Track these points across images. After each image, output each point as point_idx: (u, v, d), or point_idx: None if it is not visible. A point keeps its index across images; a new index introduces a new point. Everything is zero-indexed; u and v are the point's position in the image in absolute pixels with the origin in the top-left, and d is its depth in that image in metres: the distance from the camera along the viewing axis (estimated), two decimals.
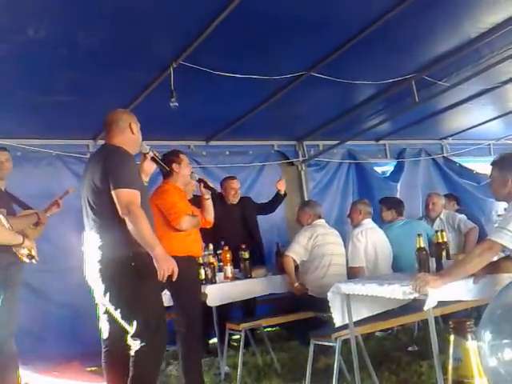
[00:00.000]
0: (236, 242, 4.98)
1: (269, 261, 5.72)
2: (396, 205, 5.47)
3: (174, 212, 3.88)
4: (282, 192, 5.82)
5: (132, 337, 2.97)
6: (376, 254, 4.89)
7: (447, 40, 4.70)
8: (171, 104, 4.24)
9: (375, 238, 4.96)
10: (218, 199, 5.45)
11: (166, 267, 2.91)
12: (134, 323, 2.94)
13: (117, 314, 3.02)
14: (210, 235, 4.60)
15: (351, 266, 4.90)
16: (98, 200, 3.02)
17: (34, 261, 3.52)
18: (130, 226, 2.89)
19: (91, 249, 3.05)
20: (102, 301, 3.10)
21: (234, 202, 5.60)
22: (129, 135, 3.21)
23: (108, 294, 2.99)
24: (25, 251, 3.48)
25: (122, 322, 3.01)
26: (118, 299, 2.99)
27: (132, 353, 2.97)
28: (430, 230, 5.08)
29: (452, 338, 1.11)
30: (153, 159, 3.39)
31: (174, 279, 2.96)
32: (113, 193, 2.94)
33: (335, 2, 3.79)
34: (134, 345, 2.96)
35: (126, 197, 2.92)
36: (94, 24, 3.56)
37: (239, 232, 5.44)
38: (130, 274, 2.93)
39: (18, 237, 3.42)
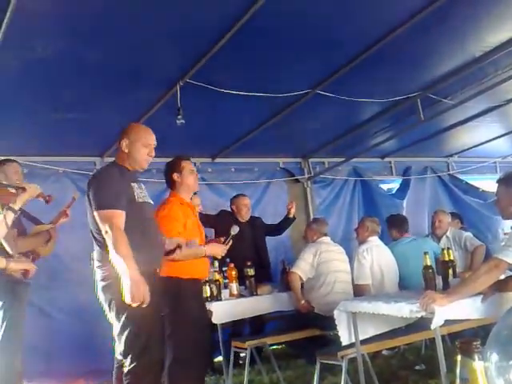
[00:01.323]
0: (244, 259, 4.93)
1: (274, 278, 5.71)
2: (400, 222, 5.46)
3: (164, 230, 3.37)
4: (292, 215, 5.81)
5: (121, 355, 2.92)
6: (382, 271, 4.87)
7: (452, 58, 4.73)
8: (177, 121, 4.27)
9: (381, 256, 4.94)
10: (229, 216, 5.46)
11: (137, 294, 2.70)
12: (122, 340, 2.86)
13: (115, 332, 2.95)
14: None
15: (357, 283, 4.87)
16: (92, 219, 2.95)
17: (27, 277, 3.36)
18: (109, 247, 2.78)
19: (96, 268, 3.01)
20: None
21: (246, 219, 5.60)
22: (121, 151, 3.14)
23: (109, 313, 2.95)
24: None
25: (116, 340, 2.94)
26: (115, 317, 2.91)
27: (124, 373, 2.88)
28: (436, 248, 5.05)
29: (459, 358, 1.10)
30: None
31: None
32: (94, 214, 2.89)
33: (341, 21, 3.82)
34: (126, 364, 2.87)
35: (104, 218, 2.83)
36: (101, 42, 3.60)
37: (248, 250, 5.37)
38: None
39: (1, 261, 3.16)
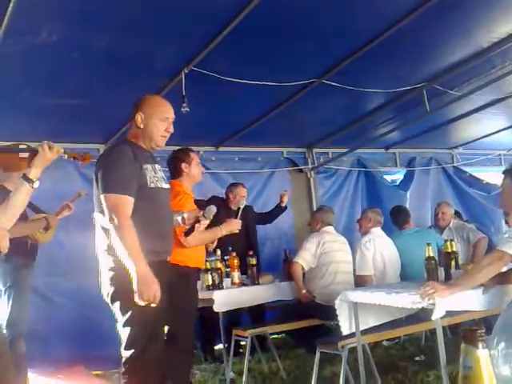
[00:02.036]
0: (239, 248, 4.94)
1: (276, 267, 5.71)
2: (402, 214, 5.49)
3: None
4: (284, 204, 5.80)
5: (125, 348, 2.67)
6: (384, 262, 4.88)
7: (459, 49, 4.70)
8: (182, 109, 4.25)
9: (383, 247, 4.95)
10: (220, 202, 5.42)
11: (147, 293, 2.50)
12: (126, 333, 2.66)
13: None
14: None
15: (359, 274, 4.89)
16: (98, 202, 2.71)
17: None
18: (112, 235, 2.58)
19: (100, 255, 2.80)
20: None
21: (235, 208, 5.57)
22: (135, 126, 2.84)
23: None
24: None
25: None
26: (119, 311, 2.70)
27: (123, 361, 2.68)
28: (439, 240, 5.06)
29: (462, 346, 1.10)
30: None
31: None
32: (100, 198, 2.65)
33: (347, 11, 3.79)
34: (127, 355, 2.66)
35: (110, 204, 2.60)
36: (106, 29, 3.59)
37: (241, 239, 5.34)
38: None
39: None
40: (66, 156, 2.62)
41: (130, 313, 2.63)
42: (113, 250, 2.62)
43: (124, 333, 2.66)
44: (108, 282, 2.71)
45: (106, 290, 2.73)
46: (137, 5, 3.38)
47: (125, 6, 3.37)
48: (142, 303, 2.51)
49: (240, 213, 3.67)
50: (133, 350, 2.64)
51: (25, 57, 3.77)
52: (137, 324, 2.64)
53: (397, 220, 5.45)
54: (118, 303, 2.68)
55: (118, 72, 4.20)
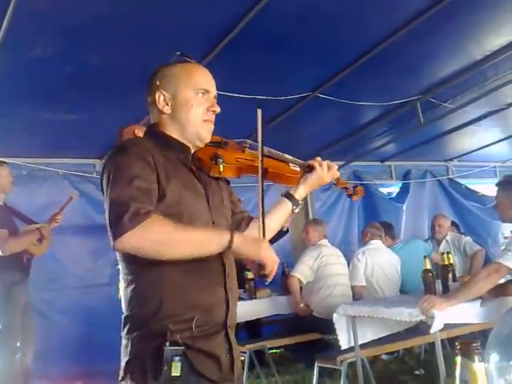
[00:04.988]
0: (236, 262, 4.90)
1: (274, 281, 5.68)
2: (387, 230, 5.52)
3: None
4: (285, 229, 5.78)
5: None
6: (377, 274, 4.86)
7: (452, 62, 4.73)
8: None
9: (378, 259, 4.93)
10: None
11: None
12: None
13: None
14: None
15: (351, 284, 4.89)
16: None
17: None
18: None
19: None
20: None
21: None
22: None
23: None
24: None
25: None
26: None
27: None
28: (427, 247, 5.08)
29: (459, 359, 1.09)
30: None
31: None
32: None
33: (340, 25, 3.82)
34: None
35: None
36: (101, 44, 3.60)
37: None
38: None
39: None
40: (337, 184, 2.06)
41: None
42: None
43: None
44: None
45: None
46: (132, 20, 3.40)
47: (120, 21, 3.39)
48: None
49: None
50: None
51: (20, 71, 3.77)
52: None
53: (386, 235, 5.47)
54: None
55: (114, 87, 4.20)
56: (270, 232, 1.86)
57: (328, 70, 4.53)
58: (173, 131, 1.76)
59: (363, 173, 7.45)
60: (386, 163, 7.75)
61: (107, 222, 1.53)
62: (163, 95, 1.77)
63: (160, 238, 1.52)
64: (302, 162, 1.99)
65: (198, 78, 1.84)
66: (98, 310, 4.79)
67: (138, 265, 1.59)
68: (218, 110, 1.82)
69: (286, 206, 1.89)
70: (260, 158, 1.83)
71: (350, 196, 2.16)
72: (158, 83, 1.79)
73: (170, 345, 1.53)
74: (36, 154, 5.37)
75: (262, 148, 1.87)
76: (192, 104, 1.76)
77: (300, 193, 1.91)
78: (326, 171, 1.91)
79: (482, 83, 5.07)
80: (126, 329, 1.64)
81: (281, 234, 5.79)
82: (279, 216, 1.91)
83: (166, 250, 1.54)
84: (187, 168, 1.75)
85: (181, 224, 1.57)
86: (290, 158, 2.04)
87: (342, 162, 6.85)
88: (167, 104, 1.76)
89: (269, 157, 1.97)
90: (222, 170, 1.86)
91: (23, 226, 4.17)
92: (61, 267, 5.22)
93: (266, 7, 3.33)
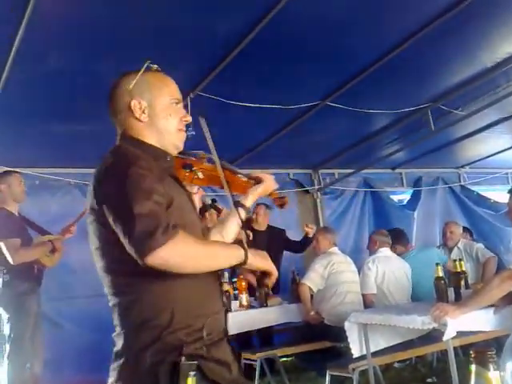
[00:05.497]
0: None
1: (285, 289, 5.68)
2: (399, 236, 5.49)
3: None
4: (311, 235, 5.75)
5: None
6: (389, 282, 4.83)
7: (463, 69, 4.73)
8: (188, 133, 4.26)
9: (389, 267, 4.90)
10: (247, 223, 5.41)
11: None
12: None
13: None
14: None
15: (362, 292, 4.87)
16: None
17: None
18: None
19: None
20: None
21: (263, 228, 5.64)
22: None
23: None
24: None
25: None
26: None
27: None
28: (442, 257, 5.04)
29: (473, 367, 1.09)
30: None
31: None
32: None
33: (351, 34, 3.84)
34: None
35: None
36: (113, 54, 3.63)
37: None
38: None
39: None
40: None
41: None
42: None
43: None
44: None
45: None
46: (143, 32, 3.44)
47: (131, 33, 3.43)
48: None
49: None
50: None
51: (32, 82, 3.82)
52: None
53: (398, 242, 5.43)
54: None
55: None
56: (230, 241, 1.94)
57: (338, 78, 4.55)
58: (150, 139, 1.76)
59: (374, 180, 7.44)
60: (397, 170, 7.73)
61: (128, 235, 1.47)
62: (139, 103, 1.74)
63: (188, 252, 1.53)
64: (246, 173, 2.09)
65: (172, 88, 1.84)
66: (109, 319, 4.79)
67: (145, 278, 1.55)
68: (190, 119, 1.88)
69: (237, 215, 1.92)
70: (218, 167, 1.93)
71: (280, 206, 2.25)
72: (130, 91, 1.76)
73: (186, 359, 1.50)
74: (48, 164, 5.41)
75: (217, 156, 1.96)
76: (170, 113, 1.79)
77: (249, 201, 2.00)
78: (270, 183, 2.07)
79: (494, 90, 5.06)
80: (131, 343, 1.62)
81: (309, 240, 5.74)
82: (234, 226, 1.97)
83: (193, 264, 1.56)
84: (172, 177, 1.75)
85: (198, 238, 1.60)
86: (236, 168, 2.12)
87: (353, 170, 6.86)
88: (143, 112, 1.74)
89: (225, 168, 2.02)
90: (199, 176, 1.99)
91: (36, 236, 4.19)
92: (73, 276, 5.25)
93: (277, 17, 3.36)
